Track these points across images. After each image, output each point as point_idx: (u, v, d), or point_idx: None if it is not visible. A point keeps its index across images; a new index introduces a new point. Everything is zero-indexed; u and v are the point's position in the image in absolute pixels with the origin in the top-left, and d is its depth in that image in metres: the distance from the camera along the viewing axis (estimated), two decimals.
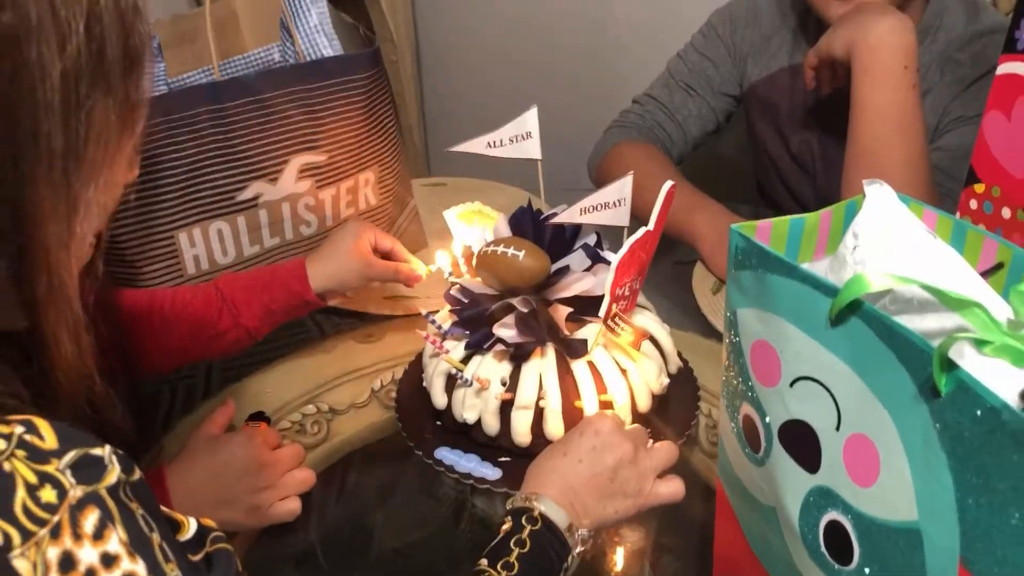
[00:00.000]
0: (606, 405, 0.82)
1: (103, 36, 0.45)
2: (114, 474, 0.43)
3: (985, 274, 0.57)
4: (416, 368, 0.99)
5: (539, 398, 0.81)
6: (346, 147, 1.02)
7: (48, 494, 0.41)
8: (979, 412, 0.44)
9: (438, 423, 0.89)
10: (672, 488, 0.77)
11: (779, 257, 0.55)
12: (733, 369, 0.62)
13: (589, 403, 0.82)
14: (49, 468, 0.41)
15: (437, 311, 0.91)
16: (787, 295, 0.55)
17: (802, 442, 0.56)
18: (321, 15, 1.04)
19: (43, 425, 0.42)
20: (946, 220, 0.59)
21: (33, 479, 0.41)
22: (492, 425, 0.83)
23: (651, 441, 0.80)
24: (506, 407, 0.82)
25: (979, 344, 0.45)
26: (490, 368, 0.83)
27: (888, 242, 0.55)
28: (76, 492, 0.41)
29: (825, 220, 0.62)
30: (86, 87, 0.45)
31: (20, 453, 0.41)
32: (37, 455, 0.41)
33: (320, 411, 0.96)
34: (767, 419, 0.59)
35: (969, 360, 0.46)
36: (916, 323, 0.51)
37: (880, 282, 0.50)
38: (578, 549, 0.71)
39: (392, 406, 0.93)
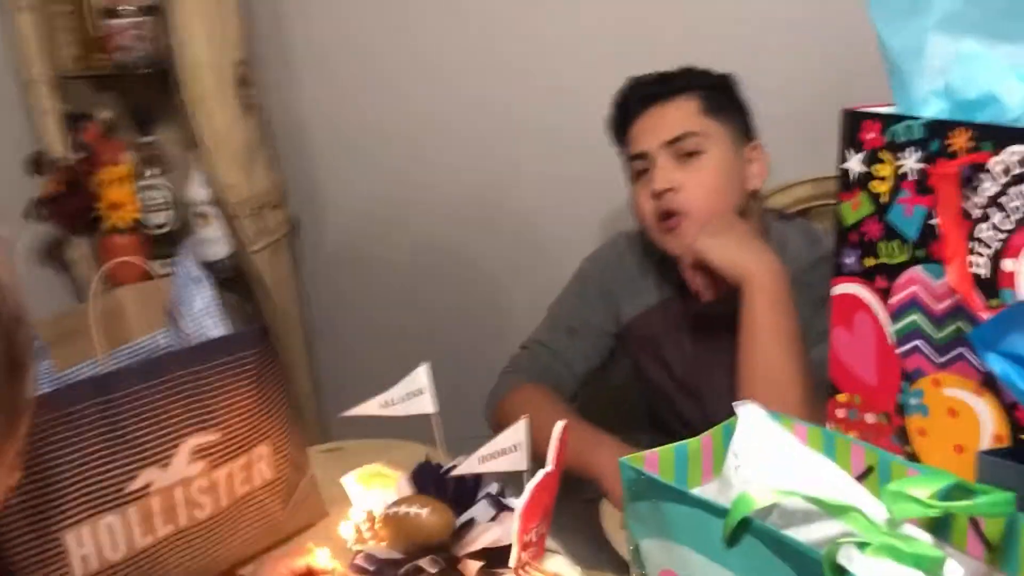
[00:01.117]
0: None
1: None
2: None
3: (859, 478, 0.61)
4: None
5: None
6: (239, 423, 1.02)
7: None
8: None
9: None
10: None
11: (669, 485, 0.57)
12: None
13: None
14: None
15: None
16: (683, 521, 0.57)
17: None
18: (205, 299, 1.08)
19: None
20: (816, 431, 0.64)
21: None
22: None
23: None
24: None
25: (861, 546, 0.48)
26: None
27: (767, 458, 0.59)
28: None
29: (707, 444, 0.66)
30: None
31: None
32: None
33: None
34: None
35: (857, 562, 0.48)
36: (804, 533, 0.54)
37: (764, 498, 0.53)
38: None
39: None
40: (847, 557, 0.48)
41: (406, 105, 1.99)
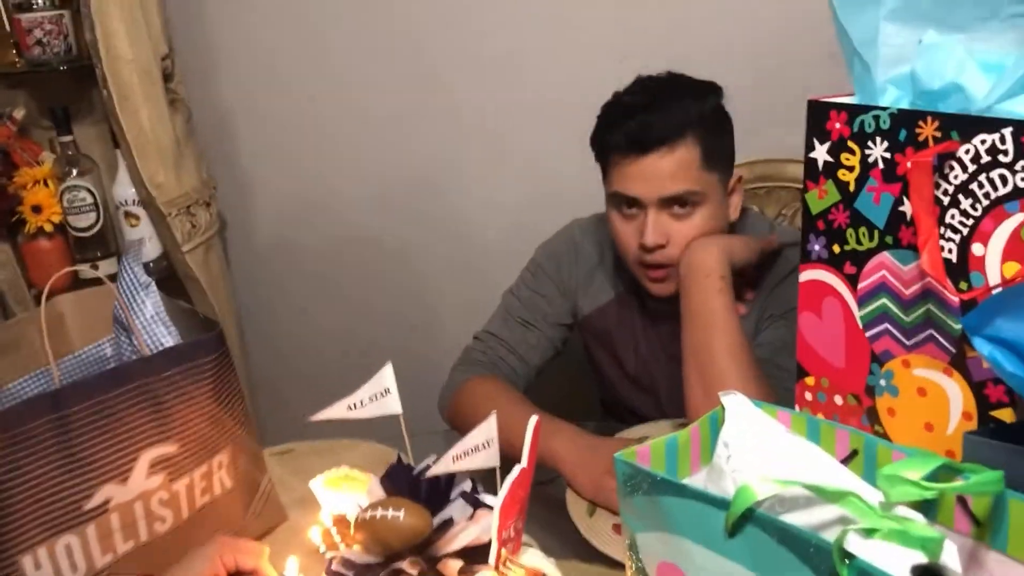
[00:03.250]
0: None
1: None
2: None
3: (844, 462, 0.63)
4: None
5: None
6: (197, 433, 0.99)
7: None
8: None
9: None
10: None
11: (669, 479, 0.58)
12: None
13: None
14: None
15: None
16: (682, 514, 0.58)
17: None
18: (156, 305, 1.04)
19: None
20: (800, 418, 0.65)
21: None
22: None
23: None
24: None
25: (868, 532, 0.49)
26: None
27: (757, 447, 0.60)
28: None
29: (695, 434, 0.67)
30: None
31: None
32: None
33: None
34: None
35: (862, 547, 0.50)
36: (803, 519, 0.55)
37: (765, 489, 0.54)
38: None
39: None
40: (855, 543, 0.50)
41: (331, 98, 1.96)
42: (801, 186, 0.80)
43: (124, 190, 1.79)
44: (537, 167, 1.86)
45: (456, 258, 2.01)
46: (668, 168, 1.18)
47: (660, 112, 1.19)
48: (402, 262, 2.06)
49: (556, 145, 1.78)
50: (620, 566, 1.05)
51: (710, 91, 1.24)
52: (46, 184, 1.74)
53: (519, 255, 1.48)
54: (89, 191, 1.77)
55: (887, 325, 0.72)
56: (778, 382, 1.11)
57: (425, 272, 2.05)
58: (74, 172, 1.76)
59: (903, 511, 0.54)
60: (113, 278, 1.05)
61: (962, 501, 0.56)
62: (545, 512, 1.17)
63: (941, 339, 0.68)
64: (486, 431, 0.87)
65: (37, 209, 1.72)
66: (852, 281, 0.73)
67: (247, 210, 2.14)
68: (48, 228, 1.74)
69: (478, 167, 1.92)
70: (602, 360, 1.43)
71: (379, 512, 0.83)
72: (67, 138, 1.77)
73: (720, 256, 1.16)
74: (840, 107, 0.71)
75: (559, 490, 1.22)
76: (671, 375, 1.34)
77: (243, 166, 2.10)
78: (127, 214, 1.81)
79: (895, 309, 0.71)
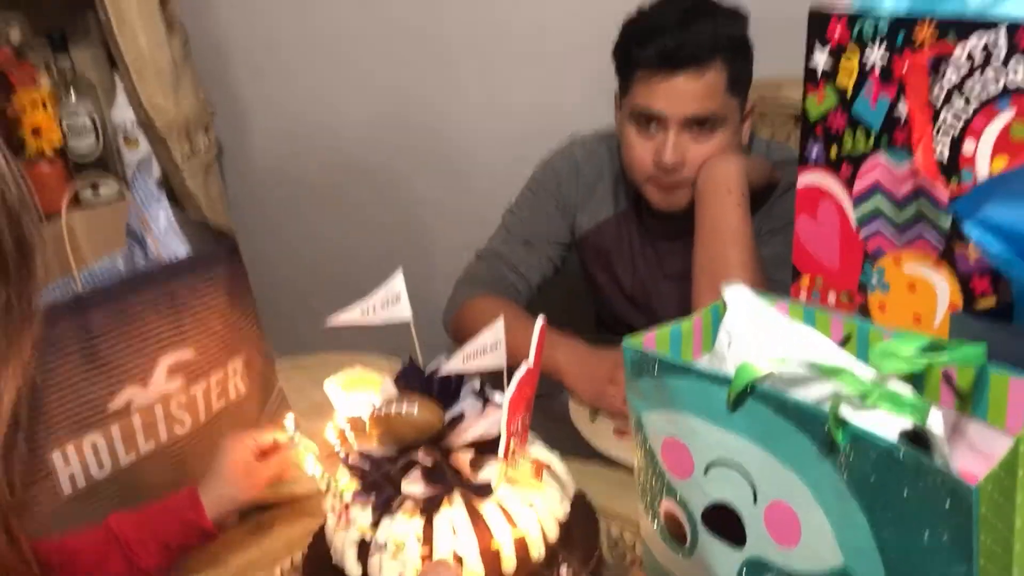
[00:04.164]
0: (520, 540, 0.85)
1: None
2: None
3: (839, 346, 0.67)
4: (317, 548, 0.97)
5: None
6: (213, 339, 1.03)
7: None
8: (875, 455, 0.51)
9: None
10: None
11: (675, 361, 0.62)
12: (648, 470, 0.68)
13: (504, 542, 0.84)
14: None
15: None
16: (687, 392, 0.62)
17: (725, 522, 0.62)
18: (168, 216, 1.07)
19: None
20: (797, 307, 0.69)
21: None
22: None
23: None
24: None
25: (862, 397, 0.53)
26: (402, 527, 0.85)
27: (757, 333, 0.64)
28: None
29: (697, 324, 0.71)
30: None
31: None
32: None
33: None
34: (689, 508, 0.65)
35: (855, 415, 0.54)
36: (800, 395, 0.59)
37: (764, 366, 0.58)
38: None
39: None
40: (849, 413, 0.54)
41: (328, 25, 1.96)
42: (795, 110, 0.83)
43: (122, 113, 1.80)
44: (533, 95, 1.87)
45: (453, 180, 2.02)
46: (697, 89, 1.20)
47: (693, 31, 1.19)
48: (399, 185, 2.07)
49: (553, 74, 1.79)
50: (617, 465, 1.11)
51: (738, 15, 1.25)
52: (45, 107, 1.74)
53: (517, 176, 1.50)
54: (88, 114, 1.77)
55: (880, 224, 0.75)
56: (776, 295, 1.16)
57: (423, 195, 2.06)
58: (72, 95, 1.77)
59: (896, 385, 0.58)
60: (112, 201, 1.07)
61: (947, 378, 0.60)
62: (548, 423, 1.22)
63: (931, 236, 0.72)
64: (494, 334, 0.91)
65: (36, 132, 1.73)
66: (848, 184, 0.77)
67: (243, 135, 2.14)
68: (48, 151, 1.75)
69: (475, 93, 1.92)
70: (599, 277, 1.47)
71: (393, 408, 0.87)
72: (65, 61, 1.77)
73: (740, 173, 1.20)
74: (840, 15, 0.74)
75: (559, 405, 1.27)
76: (668, 293, 1.38)
77: (239, 91, 2.10)
78: (126, 138, 1.82)
79: (888, 208, 0.74)
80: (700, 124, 1.22)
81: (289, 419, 1.02)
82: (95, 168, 1.80)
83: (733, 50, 1.22)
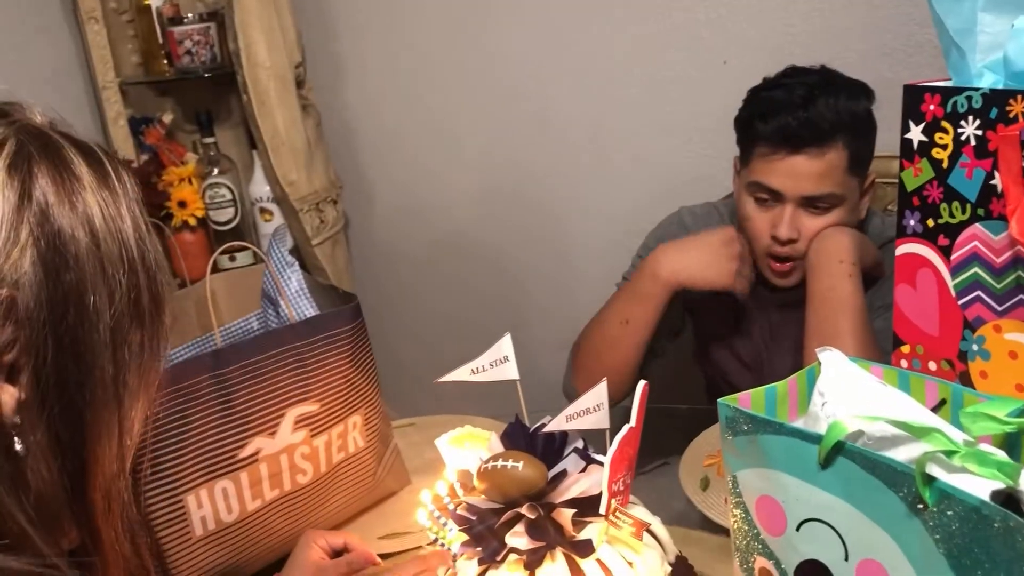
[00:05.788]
0: None
1: (138, 286, 0.60)
2: None
3: (933, 410, 0.68)
4: None
5: None
6: (336, 394, 1.10)
7: None
8: (963, 513, 0.53)
9: None
10: None
11: (768, 419, 0.64)
12: (742, 528, 0.69)
13: None
14: None
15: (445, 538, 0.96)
16: (779, 450, 0.64)
17: None
18: (300, 281, 1.16)
19: None
20: (891, 372, 0.71)
21: None
22: None
23: None
24: None
25: (948, 455, 0.55)
26: None
27: (850, 394, 0.66)
28: None
29: (792, 386, 0.73)
30: (127, 325, 0.59)
31: None
32: None
33: None
34: (782, 566, 0.66)
35: (943, 473, 0.56)
36: (890, 455, 0.61)
37: (854, 424, 0.61)
38: None
39: None
40: (934, 468, 0.55)
41: (445, 107, 2.08)
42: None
43: (259, 188, 1.94)
44: (640, 170, 1.92)
45: (558, 258, 2.08)
46: (816, 169, 1.20)
47: (816, 111, 1.19)
48: (507, 260, 2.15)
49: (663, 150, 1.84)
50: (720, 531, 1.12)
51: (862, 92, 1.24)
52: (190, 182, 1.90)
53: (623, 248, 1.55)
54: (228, 188, 1.93)
55: (979, 292, 0.76)
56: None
57: (528, 269, 2.13)
58: (215, 171, 1.93)
59: (988, 448, 0.59)
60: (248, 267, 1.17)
61: None
62: (655, 496, 1.23)
63: None
64: (596, 396, 0.95)
65: (183, 204, 1.89)
66: (945, 252, 0.78)
67: (368, 208, 2.27)
68: (192, 222, 1.90)
69: (582, 172, 1.99)
70: (712, 346, 1.48)
71: (499, 463, 0.91)
72: (210, 140, 1.94)
73: (852, 245, 1.19)
74: (934, 90, 0.76)
75: (665, 480, 1.28)
76: (780, 361, 1.38)
77: (365, 169, 2.24)
78: (262, 210, 1.96)
79: (986, 277, 0.75)
80: (819, 202, 1.22)
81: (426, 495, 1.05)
82: (233, 237, 1.94)
83: (855, 128, 1.21)
